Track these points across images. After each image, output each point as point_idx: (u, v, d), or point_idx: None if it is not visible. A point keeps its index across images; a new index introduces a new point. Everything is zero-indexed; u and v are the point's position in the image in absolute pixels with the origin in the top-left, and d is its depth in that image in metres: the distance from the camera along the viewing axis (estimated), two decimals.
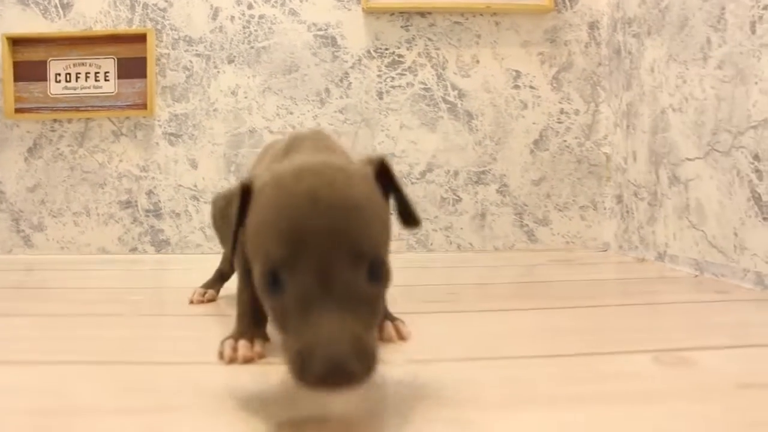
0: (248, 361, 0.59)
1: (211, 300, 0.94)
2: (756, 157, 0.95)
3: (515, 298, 0.96)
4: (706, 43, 1.09)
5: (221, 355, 0.60)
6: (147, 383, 0.55)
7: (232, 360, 0.59)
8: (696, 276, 1.12)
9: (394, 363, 0.59)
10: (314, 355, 0.39)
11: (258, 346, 0.61)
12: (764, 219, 0.94)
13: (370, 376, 0.40)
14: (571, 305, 0.88)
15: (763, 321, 0.77)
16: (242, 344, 0.60)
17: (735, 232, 1.02)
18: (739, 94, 0.99)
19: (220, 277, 0.98)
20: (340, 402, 0.47)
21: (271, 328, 0.63)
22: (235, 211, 0.50)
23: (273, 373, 0.56)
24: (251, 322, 0.64)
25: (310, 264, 0.42)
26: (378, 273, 0.45)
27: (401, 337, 0.67)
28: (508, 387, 0.52)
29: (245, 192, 0.50)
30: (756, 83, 0.95)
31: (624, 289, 1.03)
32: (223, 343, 0.61)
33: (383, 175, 0.52)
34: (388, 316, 0.69)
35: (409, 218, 0.54)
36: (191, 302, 0.91)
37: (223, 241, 0.55)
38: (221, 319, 0.81)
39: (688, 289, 1.00)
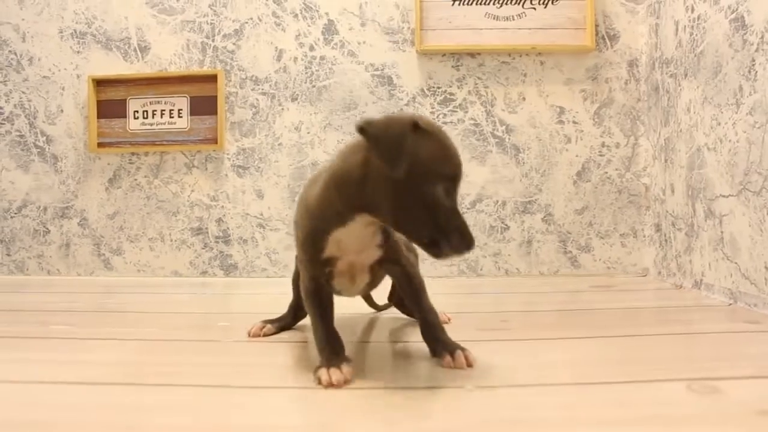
0: (343, 384, 0.71)
1: (268, 334, 1.00)
2: None
3: (561, 326, 1.05)
4: (739, 90, 1.19)
5: (319, 381, 0.72)
6: (257, 406, 0.66)
7: (330, 385, 0.71)
8: (730, 305, 1.21)
9: (464, 388, 0.70)
10: (469, 237, 0.72)
11: (346, 370, 0.74)
12: None
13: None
14: (612, 334, 0.98)
15: None
16: (333, 372, 0.73)
17: (766, 265, 1.11)
18: None
19: (288, 318, 1.05)
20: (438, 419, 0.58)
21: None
22: (409, 139, 0.70)
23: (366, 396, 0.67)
24: (333, 351, 0.78)
25: (456, 187, 0.74)
26: None
27: (470, 364, 0.80)
28: (562, 411, 0.63)
29: (415, 126, 0.71)
30: None
31: (661, 318, 1.12)
32: (317, 372, 0.74)
33: None
34: (456, 345, 0.82)
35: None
36: (249, 335, 0.98)
37: (397, 159, 0.69)
38: (299, 347, 0.93)
39: (722, 318, 1.10)
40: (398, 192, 0.71)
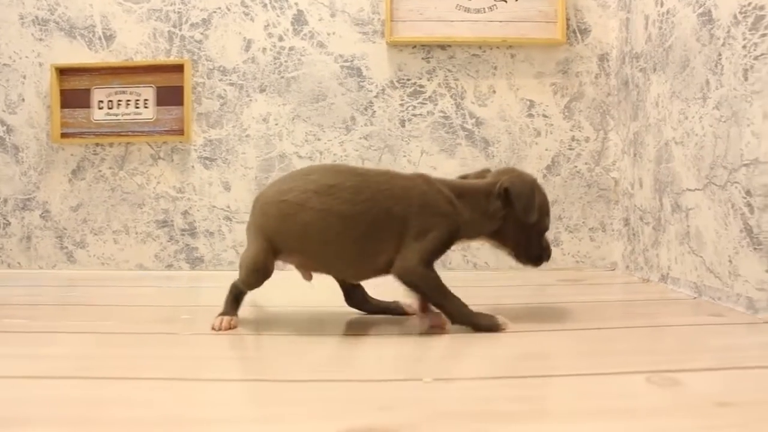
0: None
1: (235, 326, 0.98)
2: (748, 193, 1.05)
3: (526, 320, 1.04)
4: (705, 84, 1.19)
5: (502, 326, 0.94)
6: (213, 399, 0.65)
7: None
8: (695, 298, 1.21)
9: (422, 380, 0.69)
10: (549, 251, 1.07)
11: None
12: (755, 249, 1.03)
13: None
14: (576, 327, 0.98)
15: (748, 344, 0.86)
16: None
17: (730, 259, 1.11)
18: (734, 134, 1.09)
19: (236, 300, 1.03)
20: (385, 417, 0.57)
21: None
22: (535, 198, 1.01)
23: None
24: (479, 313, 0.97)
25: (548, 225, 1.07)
26: None
27: (445, 328, 0.96)
28: (520, 403, 0.62)
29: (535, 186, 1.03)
30: (748, 125, 1.05)
31: (627, 311, 1.12)
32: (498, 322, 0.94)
33: None
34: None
35: None
36: (215, 329, 0.96)
37: (531, 211, 0.98)
38: (269, 338, 0.91)
39: (686, 311, 1.10)
40: (524, 228, 1.01)
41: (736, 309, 1.09)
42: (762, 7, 1.01)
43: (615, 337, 0.91)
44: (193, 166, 1.69)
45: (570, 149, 1.67)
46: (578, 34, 1.68)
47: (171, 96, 1.68)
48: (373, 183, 0.95)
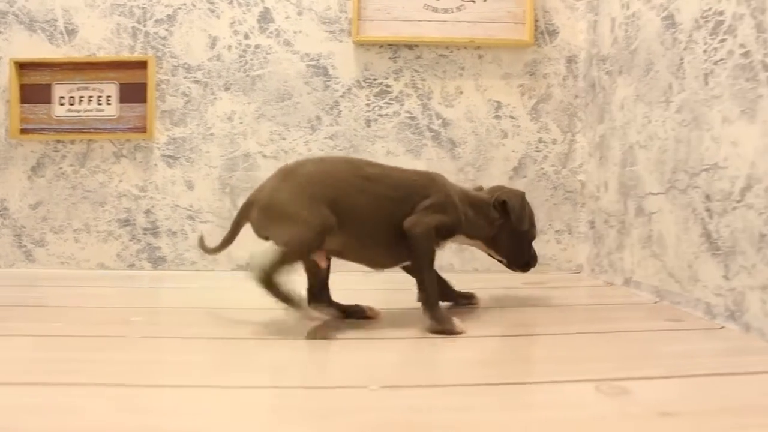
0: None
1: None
2: (708, 198, 1.04)
3: (484, 324, 1.03)
4: (668, 88, 1.18)
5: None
6: (149, 405, 0.63)
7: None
8: (656, 302, 1.21)
9: (368, 388, 0.67)
10: (536, 259, 1.21)
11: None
12: (713, 254, 1.03)
13: None
14: (534, 332, 0.97)
15: (701, 351, 0.85)
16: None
17: (689, 264, 1.10)
18: (695, 139, 1.08)
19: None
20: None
21: None
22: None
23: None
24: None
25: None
26: None
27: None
28: (464, 413, 0.60)
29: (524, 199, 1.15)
30: (708, 130, 1.04)
31: (587, 316, 1.11)
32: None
33: None
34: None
35: None
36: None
37: (523, 220, 1.13)
38: (219, 342, 0.89)
39: (646, 316, 1.09)
40: (516, 236, 1.15)
41: (694, 314, 1.08)
42: (721, 12, 1.00)
43: (571, 342, 0.90)
44: (156, 165, 1.67)
45: (537, 151, 1.66)
46: (546, 36, 1.67)
47: (134, 93, 1.65)
48: (405, 177, 1.05)
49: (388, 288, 1.40)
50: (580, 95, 1.67)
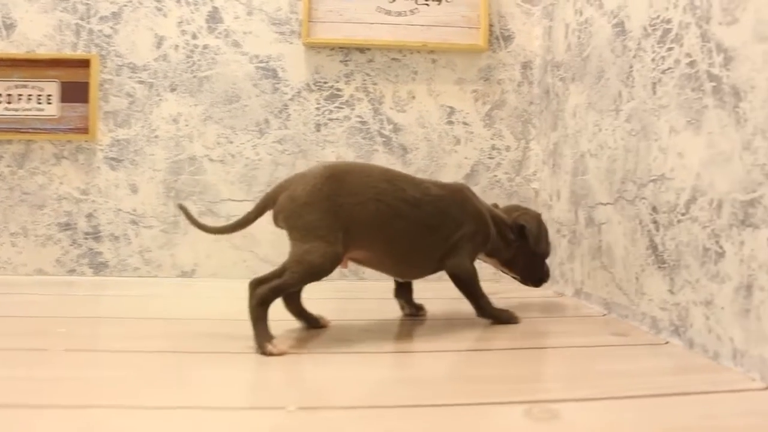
0: None
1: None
2: (654, 209, 1.01)
3: (422, 337, 0.99)
4: (618, 96, 1.16)
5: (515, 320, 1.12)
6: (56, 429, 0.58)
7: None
8: (604, 315, 1.18)
9: (286, 409, 0.63)
10: (548, 273, 1.25)
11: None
12: (659, 267, 1.00)
13: None
14: (472, 348, 0.93)
15: (643, 369, 0.82)
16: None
17: (636, 276, 1.08)
18: (643, 149, 1.06)
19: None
20: None
21: None
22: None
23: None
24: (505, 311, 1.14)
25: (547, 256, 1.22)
26: None
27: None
28: None
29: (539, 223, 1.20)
30: (655, 140, 1.01)
31: (530, 329, 1.07)
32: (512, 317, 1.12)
33: None
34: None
35: None
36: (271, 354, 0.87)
37: (541, 242, 1.18)
38: (138, 356, 0.85)
39: (591, 330, 1.06)
40: (532, 257, 1.20)
41: (641, 328, 1.06)
42: (669, 21, 0.98)
43: (510, 359, 0.87)
44: (98, 167, 1.61)
45: (490, 158, 1.64)
46: (501, 41, 1.64)
47: (76, 92, 1.60)
48: (442, 202, 1.06)
49: (339, 297, 1.36)
50: (534, 102, 1.65)
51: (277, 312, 0.97)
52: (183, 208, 1.04)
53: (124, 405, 0.65)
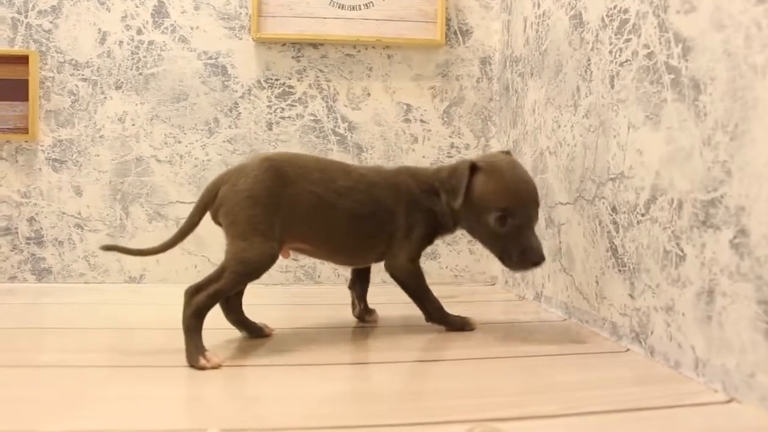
0: None
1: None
2: (614, 209, 0.97)
3: (371, 347, 0.94)
4: (576, 91, 1.11)
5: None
6: None
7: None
8: (564, 320, 1.13)
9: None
10: (533, 253, 0.92)
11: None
12: (619, 271, 0.95)
13: None
14: (428, 358, 0.88)
15: (601, 381, 0.77)
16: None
17: (596, 280, 1.03)
18: (601, 145, 1.01)
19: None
20: None
21: None
22: (466, 177, 0.94)
23: None
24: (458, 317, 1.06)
25: (524, 212, 0.93)
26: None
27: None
28: None
29: (473, 167, 0.95)
30: (614, 136, 0.97)
31: (490, 338, 1.00)
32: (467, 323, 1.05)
33: None
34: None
35: None
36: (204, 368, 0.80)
37: (456, 193, 0.94)
38: (46, 372, 0.78)
39: (550, 337, 1.01)
40: (470, 220, 0.98)
41: (601, 334, 1.01)
42: (626, 11, 0.93)
43: (457, 371, 0.81)
44: (40, 169, 1.53)
45: (449, 156, 1.58)
46: (460, 36, 1.59)
47: (14, 90, 1.52)
48: (366, 179, 0.99)
49: (292, 303, 1.30)
50: (494, 98, 1.60)
51: (217, 320, 0.91)
52: (111, 248, 0.94)
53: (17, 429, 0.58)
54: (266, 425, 0.61)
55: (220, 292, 0.85)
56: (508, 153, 1.04)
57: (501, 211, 0.92)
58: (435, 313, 1.04)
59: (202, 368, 0.79)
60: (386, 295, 1.25)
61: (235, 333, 0.99)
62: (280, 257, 0.93)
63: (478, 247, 1.58)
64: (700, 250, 0.76)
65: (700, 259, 0.76)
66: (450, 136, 1.58)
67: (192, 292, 0.85)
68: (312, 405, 0.67)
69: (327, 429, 0.60)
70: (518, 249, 0.92)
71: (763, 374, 0.65)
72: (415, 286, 1.02)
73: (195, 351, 0.81)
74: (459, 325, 1.04)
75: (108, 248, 0.94)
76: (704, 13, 0.76)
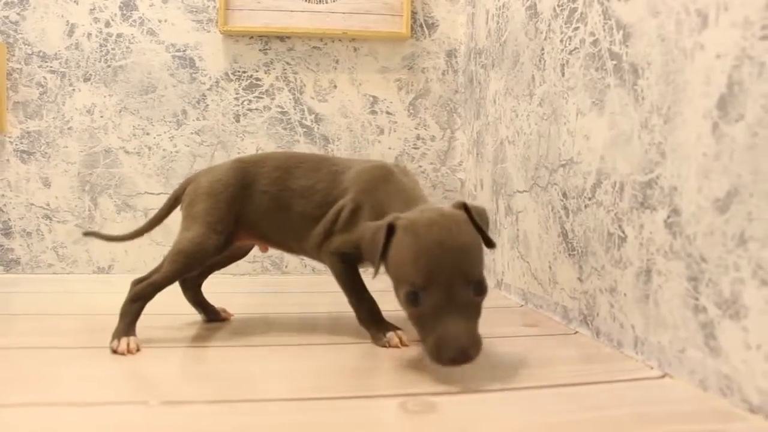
0: None
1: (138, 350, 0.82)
2: (564, 195, 0.99)
3: (328, 330, 0.96)
4: (532, 80, 1.13)
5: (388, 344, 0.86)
6: None
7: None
8: (521, 306, 1.15)
9: (147, 404, 0.59)
10: (448, 345, 0.64)
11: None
12: (569, 255, 0.97)
13: (478, 355, 0.66)
14: (358, 340, 0.89)
15: (544, 360, 0.79)
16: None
17: (550, 265, 1.05)
18: (554, 133, 1.03)
19: (139, 312, 0.87)
20: None
21: None
22: (382, 241, 0.72)
23: None
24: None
25: (441, 288, 0.66)
26: (480, 288, 0.69)
27: (404, 343, 0.85)
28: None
29: (390, 228, 0.72)
30: (565, 124, 0.99)
31: None
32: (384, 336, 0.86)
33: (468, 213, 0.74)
34: (390, 327, 0.88)
35: (489, 243, 0.75)
36: (117, 353, 0.80)
37: (372, 259, 0.74)
38: (28, 352, 0.79)
39: (505, 321, 1.03)
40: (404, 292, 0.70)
41: (553, 318, 1.03)
42: (575, 0, 0.95)
43: (404, 353, 0.83)
44: (8, 160, 1.54)
45: (415, 148, 1.60)
46: (425, 29, 1.61)
47: None
48: (327, 178, 0.93)
49: (262, 291, 1.31)
50: (459, 90, 1.62)
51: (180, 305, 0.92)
52: (90, 234, 1.02)
53: None
54: (203, 398, 0.62)
55: (159, 281, 0.87)
56: (461, 206, 0.75)
57: (410, 285, 0.68)
58: (358, 314, 0.91)
59: (114, 351, 0.80)
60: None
61: (196, 317, 1.01)
62: (258, 251, 0.99)
63: None
64: (639, 231, 0.78)
65: (639, 239, 0.78)
66: (416, 128, 1.60)
67: (136, 282, 0.88)
68: (249, 380, 0.69)
69: (263, 401, 0.62)
70: (433, 337, 0.66)
71: (692, 349, 0.68)
72: (338, 279, 0.91)
73: (116, 334, 0.82)
74: (373, 336, 0.88)
75: (87, 234, 1.02)
76: (641, 0, 0.78)
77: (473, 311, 0.68)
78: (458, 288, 0.66)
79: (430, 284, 0.67)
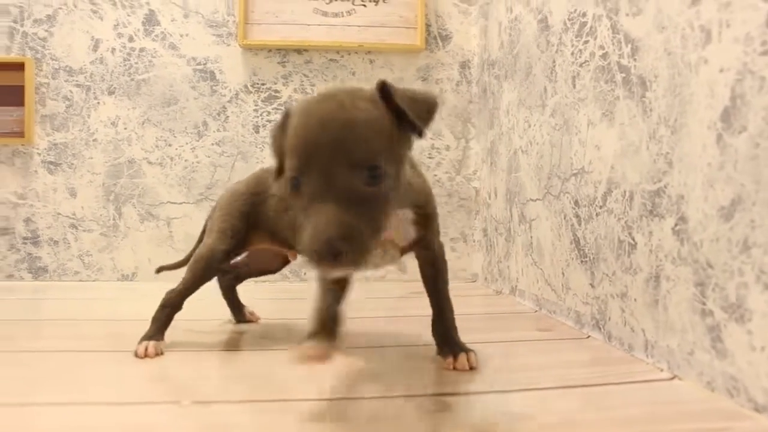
0: None
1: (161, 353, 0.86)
2: (576, 203, 1.02)
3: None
4: (544, 92, 1.16)
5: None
6: None
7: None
8: (536, 312, 1.18)
9: (180, 404, 0.62)
10: (312, 239, 0.51)
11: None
12: (582, 261, 1.00)
13: (357, 257, 0.52)
14: (383, 344, 0.92)
15: (556, 363, 0.82)
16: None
17: (563, 271, 1.08)
18: (566, 143, 1.06)
19: (168, 318, 0.92)
20: None
21: None
22: (278, 131, 0.62)
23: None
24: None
25: (317, 171, 0.54)
26: (376, 177, 0.55)
27: (471, 366, 0.78)
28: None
29: (286, 115, 0.61)
30: (576, 134, 1.02)
31: (462, 326, 1.06)
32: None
33: (386, 94, 0.60)
34: (462, 347, 0.80)
35: (414, 128, 0.60)
36: (137, 356, 0.84)
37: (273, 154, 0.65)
38: (27, 356, 0.83)
39: (519, 326, 1.06)
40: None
41: (566, 323, 1.06)
42: (584, 14, 0.99)
43: (417, 354, 0.86)
44: (36, 171, 1.59)
45: (430, 158, 1.63)
46: (439, 41, 1.64)
47: (11, 96, 1.57)
48: None
49: (279, 298, 1.35)
50: (473, 101, 1.65)
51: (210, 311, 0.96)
52: (162, 269, 1.08)
53: (11, 403, 0.64)
54: (228, 398, 0.66)
55: (182, 289, 0.92)
56: (379, 85, 0.61)
57: (290, 170, 0.57)
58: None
59: (135, 355, 0.84)
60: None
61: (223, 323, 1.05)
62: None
63: (459, 244, 1.63)
64: (648, 238, 0.81)
65: (648, 246, 0.81)
66: (431, 138, 1.64)
67: (169, 292, 0.92)
68: (281, 382, 0.72)
69: (292, 401, 0.65)
70: (305, 232, 0.54)
71: (700, 352, 0.71)
72: None
73: (143, 338, 0.87)
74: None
75: (159, 270, 1.09)
76: (649, 15, 0.81)
77: (363, 204, 0.54)
78: (339, 173, 0.54)
79: (308, 168, 0.55)
